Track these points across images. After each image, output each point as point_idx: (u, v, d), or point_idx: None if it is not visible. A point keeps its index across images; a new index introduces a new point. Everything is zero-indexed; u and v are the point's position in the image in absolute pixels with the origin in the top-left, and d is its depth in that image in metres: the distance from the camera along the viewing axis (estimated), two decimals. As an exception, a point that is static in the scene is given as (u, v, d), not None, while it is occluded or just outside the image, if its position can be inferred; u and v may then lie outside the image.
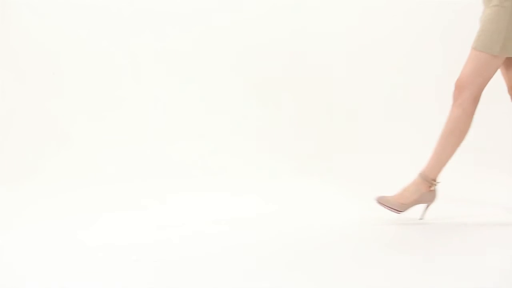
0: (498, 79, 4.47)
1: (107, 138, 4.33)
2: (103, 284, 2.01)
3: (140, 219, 2.99)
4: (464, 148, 4.30)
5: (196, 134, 4.36)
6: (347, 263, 2.25)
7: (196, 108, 4.42)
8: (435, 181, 2.86)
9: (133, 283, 2.00)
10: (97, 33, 4.48)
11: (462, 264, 2.19)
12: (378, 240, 2.60)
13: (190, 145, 4.31)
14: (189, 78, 4.45)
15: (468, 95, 2.80)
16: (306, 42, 4.50)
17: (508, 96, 3.03)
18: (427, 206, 2.90)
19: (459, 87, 2.81)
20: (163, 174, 4.08)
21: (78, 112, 4.41)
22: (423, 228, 2.72)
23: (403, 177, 2.92)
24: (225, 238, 2.64)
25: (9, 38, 4.47)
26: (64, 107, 4.41)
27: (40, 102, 4.41)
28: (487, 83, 2.84)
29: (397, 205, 2.84)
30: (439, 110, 3.75)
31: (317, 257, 2.30)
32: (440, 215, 3.00)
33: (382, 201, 2.86)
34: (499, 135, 4.37)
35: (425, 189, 2.85)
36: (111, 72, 4.47)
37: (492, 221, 2.83)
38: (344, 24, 4.52)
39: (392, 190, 2.88)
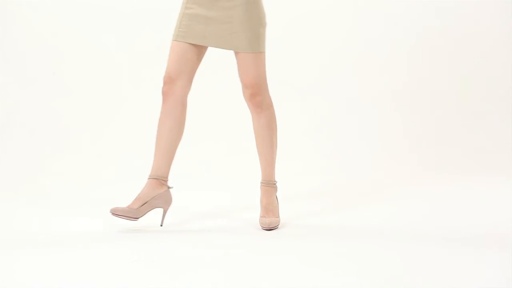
0: (503, 80, 4.48)
1: (107, 138, 4.34)
2: (103, 284, 2.02)
3: (140, 219, 2.99)
4: (464, 148, 4.33)
5: (197, 134, 4.37)
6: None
7: (198, 109, 4.43)
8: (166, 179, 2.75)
9: (133, 283, 2.01)
10: (98, 33, 4.49)
11: (461, 264, 2.20)
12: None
13: (191, 146, 4.31)
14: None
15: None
16: (307, 42, 4.51)
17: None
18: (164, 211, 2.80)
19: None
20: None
21: (81, 112, 4.42)
22: (421, 229, 2.73)
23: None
24: (227, 238, 2.64)
25: (9, 38, 4.48)
26: (65, 107, 4.42)
27: (40, 102, 4.42)
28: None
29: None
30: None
31: (325, 258, 2.31)
32: (438, 215, 3.01)
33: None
34: (499, 135, 4.37)
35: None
36: (112, 72, 4.47)
37: (492, 221, 2.84)
38: (342, 25, 4.54)
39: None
